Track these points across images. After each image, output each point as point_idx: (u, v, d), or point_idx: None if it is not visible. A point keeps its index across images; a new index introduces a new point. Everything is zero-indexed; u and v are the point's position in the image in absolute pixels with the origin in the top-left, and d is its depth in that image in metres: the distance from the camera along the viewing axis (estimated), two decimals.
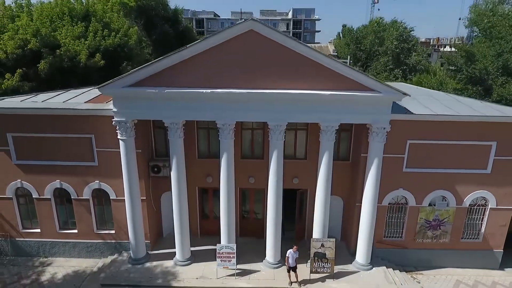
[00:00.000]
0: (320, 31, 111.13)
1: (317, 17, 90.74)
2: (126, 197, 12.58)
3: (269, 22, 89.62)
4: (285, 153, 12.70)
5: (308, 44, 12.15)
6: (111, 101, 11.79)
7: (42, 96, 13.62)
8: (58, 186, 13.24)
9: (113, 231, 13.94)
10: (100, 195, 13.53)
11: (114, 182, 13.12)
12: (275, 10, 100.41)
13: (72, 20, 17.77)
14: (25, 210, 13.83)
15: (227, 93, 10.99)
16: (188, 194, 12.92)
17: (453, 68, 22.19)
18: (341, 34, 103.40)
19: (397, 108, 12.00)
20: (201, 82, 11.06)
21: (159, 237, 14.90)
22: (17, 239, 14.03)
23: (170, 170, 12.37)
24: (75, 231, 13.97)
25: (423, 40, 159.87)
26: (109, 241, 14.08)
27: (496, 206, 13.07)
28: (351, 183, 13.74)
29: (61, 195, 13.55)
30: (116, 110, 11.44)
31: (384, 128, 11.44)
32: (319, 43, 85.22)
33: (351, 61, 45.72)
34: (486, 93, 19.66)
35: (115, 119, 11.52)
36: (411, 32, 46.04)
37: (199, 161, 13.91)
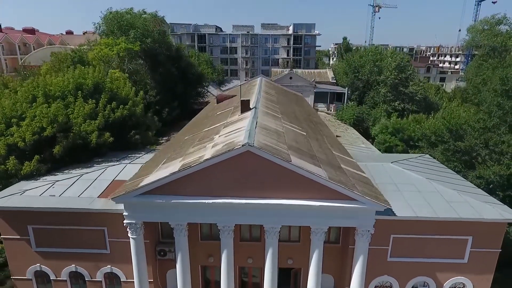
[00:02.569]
0: (320, 46, 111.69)
1: (317, 32, 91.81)
2: (135, 281, 13.86)
3: (270, 37, 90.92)
4: (280, 236, 13.81)
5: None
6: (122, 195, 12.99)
7: (58, 187, 14.91)
8: (74, 270, 14.56)
9: None
10: (111, 277, 14.82)
11: (125, 266, 14.42)
12: (276, 24, 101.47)
13: (83, 94, 19.07)
14: None
15: (227, 203, 12.24)
16: (191, 271, 14.12)
17: (439, 139, 22.83)
18: (342, 48, 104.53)
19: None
20: (203, 192, 12.30)
21: None
22: None
23: (175, 255, 13.63)
24: None
25: (423, 47, 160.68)
26: None
27: None
28: (341, 262, 14.94)
29: (76, 277, 14.86)
30: (127, 214, 12.73)
31: (368, 231, 12.66)
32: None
33: (349, 91, 46.87)
34: (471, 166, 20.31)
35: (126, 221, 12.80)
36: (408, 62, 47.17)
37: (202, 243, 15.15)
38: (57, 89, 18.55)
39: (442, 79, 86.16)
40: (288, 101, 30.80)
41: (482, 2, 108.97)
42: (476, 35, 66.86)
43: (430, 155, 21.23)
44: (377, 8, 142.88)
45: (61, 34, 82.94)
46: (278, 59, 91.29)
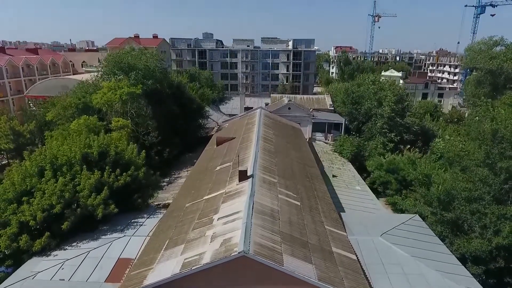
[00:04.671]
0: (320, 50, 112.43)
1: (316, 48, 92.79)
2: None
3: (270, 52, 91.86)
4: None
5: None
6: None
7: (68, 268, 15.96)
8: None
9: None
10: None
11: None
12: (276, 38, 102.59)
13: (88, 160, 20.12)
14: None
15: None
16: None
17: (429, 208, 23.65)
18: (341, 62, 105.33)
19: None
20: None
21: None
22: None
23: None
24: None
25: (422, 56, 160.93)
26: None
27: None
28: None
29: None
30: None
31: None
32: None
33: (346, 121, 47.80)
34: (458, 232, 21.07)
35: None
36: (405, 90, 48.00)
37: None
38: (64, 159, 19.57)
39: (440, 95, 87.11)
40: (286, 143, 31.74)
41: (480, 15, 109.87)
42: (473, 57, 67.98)
43: (420, 214, 22.21)
44: (376, 18, 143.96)
45: (64, 50, 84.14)
46: (278, 74, 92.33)
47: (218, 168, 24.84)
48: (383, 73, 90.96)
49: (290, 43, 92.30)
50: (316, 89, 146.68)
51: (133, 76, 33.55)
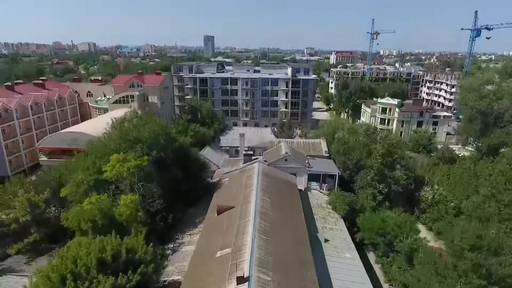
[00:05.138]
0: (318, 90, 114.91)
1: (314, 76, 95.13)
2: None
3: (269, 80, 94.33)
4: None
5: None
6: None
7: None
8: None
9: None
10: None
11: None
12: (276, 63, 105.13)
13: (103, 265, 22.77)
14: None
15: None
16: None
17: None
18: (339, 85, 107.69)
19: None
20: None
21: None
22: None
23: None
24: None
25: (420, 72, 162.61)
26: None
27: None
28: None
29: None
30: None
31: None
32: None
33: (340, 170, 50.29)
34: None
35: None
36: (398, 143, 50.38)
37: None
38: (82, 268, 22.21)
39: (435, 123, 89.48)
40: (281, 215, 34.24)
41: (476, 38, 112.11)
42: (465, 95, 70.54)
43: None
44: (375, 36, 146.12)
45: (69, 81, 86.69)
46: (277, 100, 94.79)
47: (218, 254, 27.43)
48: (379, 100, 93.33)
49: (289, 70, 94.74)
50: (316, 104, 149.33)
51: (139, 148, 36.16)
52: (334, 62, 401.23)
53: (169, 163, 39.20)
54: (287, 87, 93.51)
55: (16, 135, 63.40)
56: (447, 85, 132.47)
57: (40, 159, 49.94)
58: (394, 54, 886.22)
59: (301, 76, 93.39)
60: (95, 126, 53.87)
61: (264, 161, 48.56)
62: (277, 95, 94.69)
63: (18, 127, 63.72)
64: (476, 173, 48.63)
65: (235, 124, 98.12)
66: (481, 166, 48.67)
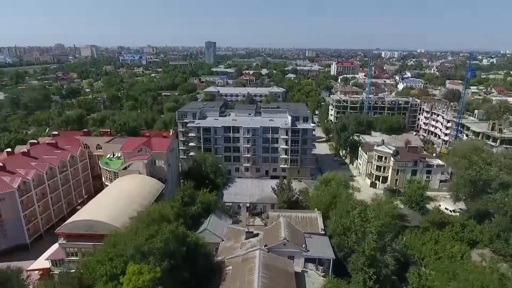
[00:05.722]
0: (315, 133, 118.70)
1: (312, 125, 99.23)
2: None
3: (269, 128, 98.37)
4: None
5: None
6: None
7: None
8: None
9: None
10: None
11: None
12: (277, 107, 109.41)
13: None
14: None
15: None
16: None
17: None
18: (338, 130, 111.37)
19: None
20: None
21: None
22: None
23: None
24: None
25: (418, 100, 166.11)
26: None
27: None
28: None
29: None
30: None
31: None
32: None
33: (335, 249, 54.38)
34: None
35: None
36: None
37: None
38: None
39: (429, 172, 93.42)
40: None
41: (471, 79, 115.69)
42: (455, 161, 74.71)
43: None
44: (373, 68, 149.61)
45: (80, 135, 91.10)
46: (278, 147, 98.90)
47: None
48: (375, 147, 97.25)
49: (289, 119, 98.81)
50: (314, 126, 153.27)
51: (152, 260, 40.49)
52: (335, 73, 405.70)
53: (178, 268, 43.45)
54: (287, 135, 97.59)
55: (34, 203, 67.94)
56: (443, 118, 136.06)
57: (59, 242, 54.26)
58: (395, 56, 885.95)
59: (301, 125, 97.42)
60: (108, 206, 58.31)
61: (265, 245, 52.84)
62: (277, 142, 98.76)
63: (35, 195, 68.21)
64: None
65: (237, 169, 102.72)
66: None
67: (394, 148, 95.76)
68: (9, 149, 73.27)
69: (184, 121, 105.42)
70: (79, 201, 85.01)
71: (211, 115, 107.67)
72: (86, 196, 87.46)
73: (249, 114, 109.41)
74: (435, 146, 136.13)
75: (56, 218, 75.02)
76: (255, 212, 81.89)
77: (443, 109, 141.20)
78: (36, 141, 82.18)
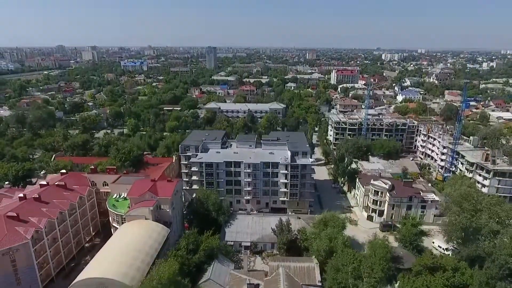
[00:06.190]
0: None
1: (311, 160, 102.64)
2: None
3: (269, 164, 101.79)
4: None
5: None
6: None
7: None
8: None
9: None
10: None
11: None
12: (277, 139, 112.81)
13: None
14: None
15: None
16: None
17: None
18: (337, 161, 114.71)
19: None
20: None
21: None
22: None
23: None
24: None
25: (415, 122, 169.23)
26: None
27: None
28: None
29: None
30: None
31: None
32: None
33: None
34: None
35: None
36: None
37: None
38: None
39: (423, 206, 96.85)
40: None
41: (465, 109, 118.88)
42: (448, 205, 78.26)
43: None
44: (372, 81, 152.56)
45: (88, 173, 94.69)
46: (277, 181, 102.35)
47: None
48: (372, 181, 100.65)
49: (288, 154, 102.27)
50: (316, 151, 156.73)
51: None
52: (335, 81, 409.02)
53: None
54: (286, 170, 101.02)
55: (46, 250, 71.50)
56: (439, 142, 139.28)
57: None
58: (396, 59, 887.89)
59: (300, 161, 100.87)
60: (117, 259, 61.76)
61: None
62: (277, 176, 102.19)
63: (47, 242, 71.76)
64: None
65: (238, 201, 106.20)
66: None
67: (390, 183, 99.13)
68: (21, 195, 76.66)
69: (187, 154, 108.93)
70: (87, 239, 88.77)
71: (213, 147, 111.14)
72: (93, 233, 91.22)
73: (250, 146, 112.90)
74: (431, 170, 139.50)
75: (66, 259, 78.73)
76: (255, 250, 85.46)
77: (440, 133, 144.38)
78: (46, 183, 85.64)
